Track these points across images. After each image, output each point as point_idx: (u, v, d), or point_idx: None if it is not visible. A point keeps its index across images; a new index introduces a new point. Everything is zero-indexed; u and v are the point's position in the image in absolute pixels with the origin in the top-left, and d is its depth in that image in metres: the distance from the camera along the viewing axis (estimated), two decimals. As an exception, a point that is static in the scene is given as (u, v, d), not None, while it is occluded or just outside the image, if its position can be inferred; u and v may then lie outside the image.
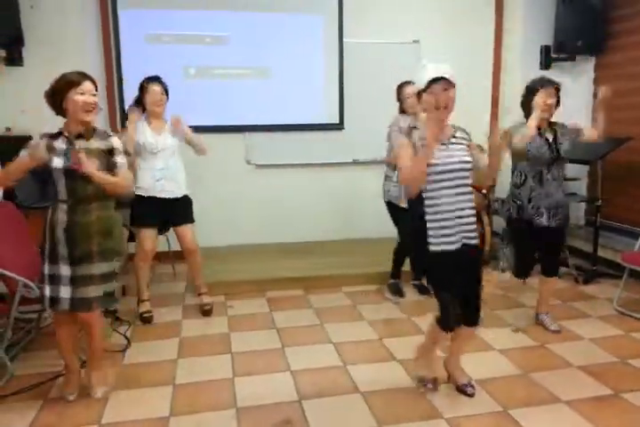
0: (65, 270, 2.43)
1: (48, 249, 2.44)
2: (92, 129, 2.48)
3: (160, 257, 4.18)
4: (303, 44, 4.92)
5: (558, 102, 3.16)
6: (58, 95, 2.41)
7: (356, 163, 5.12)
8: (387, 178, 3.80)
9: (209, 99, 4.79)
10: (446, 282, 2.44)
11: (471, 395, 2.62)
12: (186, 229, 3.64)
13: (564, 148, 3.17)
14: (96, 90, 2.45)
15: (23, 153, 2.38)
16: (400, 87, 3.71)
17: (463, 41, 5.14)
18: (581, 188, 5.14)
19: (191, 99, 4.62)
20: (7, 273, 2.75)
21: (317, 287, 4.16)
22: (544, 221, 3.19)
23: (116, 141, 2.50)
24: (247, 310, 3.79)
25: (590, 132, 3.21)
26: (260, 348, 3.19)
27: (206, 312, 3.71)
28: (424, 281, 3.95)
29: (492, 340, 3.26)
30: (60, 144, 2.43)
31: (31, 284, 2.78)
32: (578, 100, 5.19)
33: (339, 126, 5.02)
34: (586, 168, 5.06)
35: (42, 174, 2.44)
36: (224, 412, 2.51)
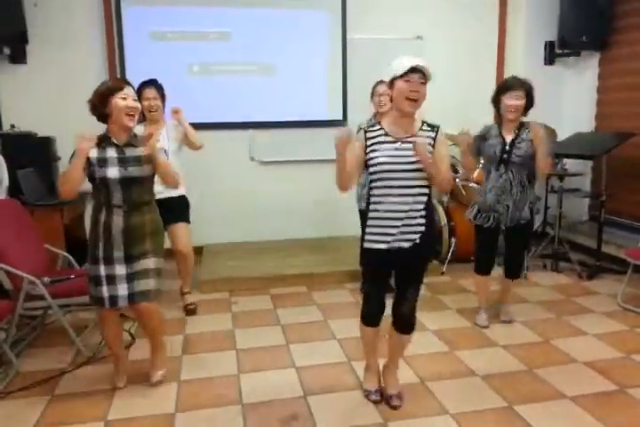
0: (120, 270, 2.51)
1: (102, 251, 2.50)
2: (134, 135, 2.55)
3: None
4: (306, 41, 4.91)
5: (532, 103, 3.12)
6: (101, 102, 2.45)
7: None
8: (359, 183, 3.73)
9: (213, 96, 4.79)
10: (372, 277, 2.49)
11: (394, 407, 2.50)
12: (178, 228, 3.58)
13: (518, 152, 3.10)
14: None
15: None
16: (375, 86, 3.65)
17: (466, 37, 5.13)
18: (585, 183, 5.13)
19: (195, 96, 4.63)
20: (13, 270, 2.77)
21: (321, 284, 4.16)
22: (495, 220, 3.23)
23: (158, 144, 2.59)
24: (251, 307, 3.80)
25: (541, 164, 3.11)
26: (264, 344, 3.20)
27: (190, 311, 3.71)
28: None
29: (495, 335, 3.26)
30: (111, 153, 2.48)
31: (37, 281, 2.80)
32: (582, 96, 5.18)
33: (342, 122, 5.01)
34: (589, 163, 5.05)
35: (92, 181, 2.49)
36: (230, 408, 2.52)
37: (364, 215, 3.59)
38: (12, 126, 4.22)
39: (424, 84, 2.23)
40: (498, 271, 3.57)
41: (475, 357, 2.99)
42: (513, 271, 3.43)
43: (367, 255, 2.42)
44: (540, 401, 2.54)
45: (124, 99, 2.44)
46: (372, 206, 2.36)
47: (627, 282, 3.74)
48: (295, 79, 4.90)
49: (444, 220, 4.56)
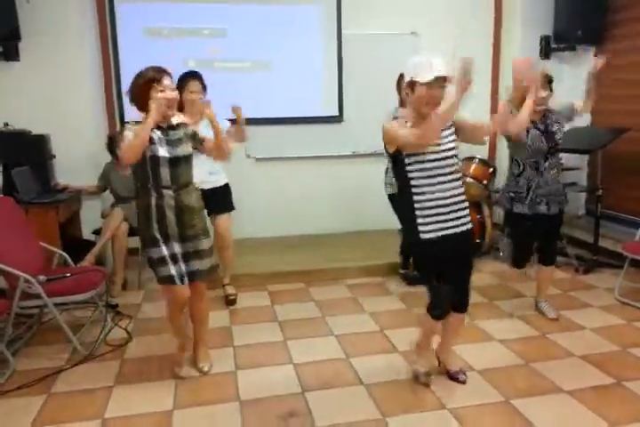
0: (178, 248, 2.57)
1: (159, 232, 2.53)
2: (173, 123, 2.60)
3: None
4: (302, 37, 4.89)
5: (551, 91, 3.21)
6: (140, 94, 2.47)
7: (355, 155, 5.10)
8: (388, 171, 3.78)
9: (208, 92, 4.75)
10: (436, 270, 2.45)
11: (463, 382, 2.65)
12: (221, 219, 3.66)
13: (557, 136, 3.21)
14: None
15: (128, 133, 2.44)
16: (402, 77, 3.62)
17: (462, 32, 5.11)
18: (581, 177, 5.13)
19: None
20: (8, 269, 2.76)
21: (319, 280, 4.16)
22: (543, 209, 3.22)
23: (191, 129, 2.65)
24: (249, 304, 3.79)
25: (583, 103, 3.30)
26: (262, 341, 3.20)
27: (230, 302, 3.77)
28: (410, 271, 4.02)
29: (492, 330, 3.26)
30: (158, 134, 2.51)
31: (32, 279, 2.79)
32: (578, 91, 5.16)
33: (338, 119, 5.00)
34: (586, 158, 5.05)
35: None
36: (228, 405, 2.52)
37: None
38: (6, 124, 4.19)
39: (445, 87, 2.24)
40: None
41: (472, 351, 2.99)
42: (551, 257, 3.43)
43: (425, 246, 2.39)
44: (538, 395, 2.55)
45: (163, 91, 2.45)
46: (415, 197, 2.36)
47: (623, 276, 3.74)
48: (291, 75, 4.88)
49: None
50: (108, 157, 4.25)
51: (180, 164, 2.54)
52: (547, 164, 3.22)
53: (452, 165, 2.36)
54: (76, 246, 3.97)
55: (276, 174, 5.05)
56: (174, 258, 2.56)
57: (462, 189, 2.41)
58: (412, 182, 2.35)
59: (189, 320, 2.87)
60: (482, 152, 4.67)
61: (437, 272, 2.45)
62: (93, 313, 3.41)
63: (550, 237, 3.39)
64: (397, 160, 2.38)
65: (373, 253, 3.99)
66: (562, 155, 4.55)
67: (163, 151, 2.49)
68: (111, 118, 4.64)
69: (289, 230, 5.06)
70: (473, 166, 4.55)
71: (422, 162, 2.32)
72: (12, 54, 4.34)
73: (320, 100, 5.02)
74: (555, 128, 3.22)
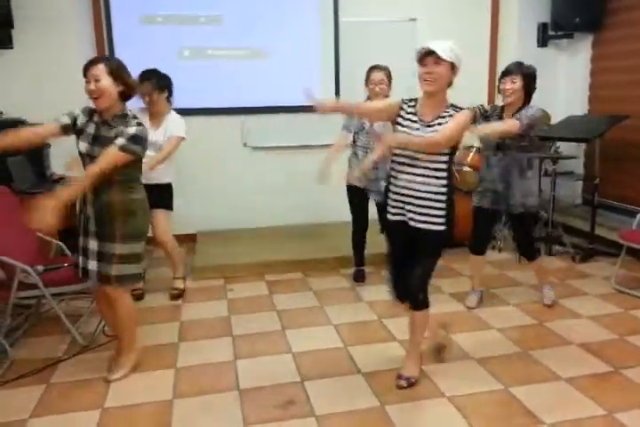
0: (93, 245, 2.51)
1: (83, 223, 2.55)
2: (116, 115, 2.45)
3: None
4: (298, 24, 4.84)
5: (532, 88, 3.12)
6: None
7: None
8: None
9: (204, 81, 4.72)
10: (391, 251, 2.60)
11: (398, 386, 2.53)
12: (157, 214, 3.49)
13: (512, 139, 3.10)
14: (111, 73, 2.40)
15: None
16: (369, 71, 3.59)
17: (459, 19, 5.07)
18: (578, 166, 5.13)
19: (186, 81, 4.54)
20: (5, 259, 2.74)
21: (316, 270, 4.16)
22: (486, 204, 3.27)
23: (131, 129, 2.40)
24: (247, 293, 3.79)
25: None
26: (260, 330, 3.20)
27: (172, 296, 3.71)
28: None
29: (490, 319, 3.28)
30: (90, 128, 2.47)
31: (29, 269, 2.77)
32: (575, 79, 5.16)
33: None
34: (582, 146, 5.05)
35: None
36: (227, 394, 2.53)
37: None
38: (1, 113, 4.15)
39: (440, 64, 2.29)
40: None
41: (469, 340, 3.01)
42: (527, 253, 3.43)
43: (386, 226, 2.60)
44: (536, 383, 2.57)
45: (88, 82, 2.39)
46: (390, 179, 2.48)
47: (620, 264, 3.75)
48: (288, 63, 4.83)
49: None
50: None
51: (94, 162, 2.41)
52: (495, 159, 3.19)
53: (428, 161, 2.35)
54: (73, 236, 3.94)
55: (273, 163, 5.02)
56: (85, 252, 2.54)
57: (428, 187, 2.38)
58: (392, 165, 2.47)
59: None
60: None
61: (391, 255, 2.59)
62: (91, 304, 3.40)
63: (516, 234, 3.45)
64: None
65: (371, 242, 3.98)
66: (558, 144, 4.60)
67: (83, 146, 2.45)
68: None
69: (286, 220, 5.04)
70: (470, 155, 4.55)
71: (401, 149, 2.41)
72: (4, 42, 4.28)
73: (317, 88, 4.96)
74: None
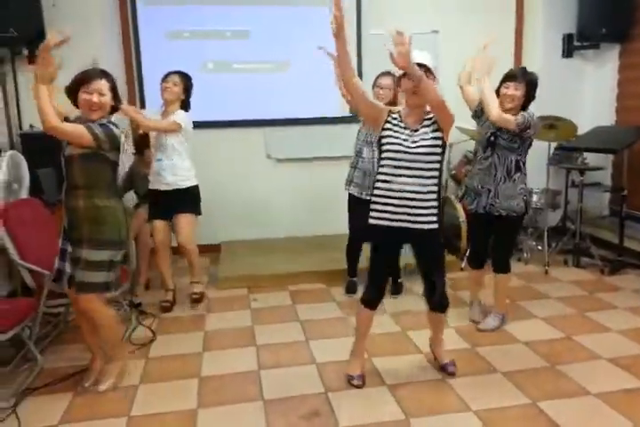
0: (69, 248, 2.56)
1: (64, 226, 2.58)
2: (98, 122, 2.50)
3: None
4: (322, 37, 4.84)
5: (532, 97, 3.06)
6: (72, 92, 2.49)
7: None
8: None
9: (228, 94, 4.79)
10: (375, 256, 2.61)
11: (452, 373, 2.72)
12: (179, 219, 3.58)
13: (505, 135, 3.04)
14: (112, 89, 2.50)
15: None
16: (378, 76, 3.64)
17: (483, 30, 5.05)
18: (605, 177, 5.05)
19: (210, 94, 4.63)
20: (35, 268, 2.79)
21: (340, 280, 4.14)
22: (471, 206, 3.21)
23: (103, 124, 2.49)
24: (270, 304, 3.80)
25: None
26: (284, 340, 3.20)
27: (193, 300, 3.76)
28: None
29: (517, 332, 3.23)
30: None
31: (59, 278, 2.82)
32: (602, 89, 5.11)
33: (359, 119, 4.98)
34: (609, 157, 4.97)
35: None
36: (251, 404, 2.53)
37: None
38: (31, 126, 4.26)
39: (428, 77, 2.34)
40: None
41: (496, 353, 2.97)
42: (496, 264, 3.23)
43: (370, 231, 2.57)
44: (564, 398, 2.52)
45: (89, 93, 2.44)
46: (377, 184, 2.51)
47: (650, 277, 3.68)
48: (311, 76, 4.86)
49: (462, 216, 4.51)
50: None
51: (69, 163, 2.49)
52: (489, 158, 3.10)
53: (422, 162, 2.42)
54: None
55: (298, 175, 5.05)
56: (62, 254, 2.58)
57: (423, 188, 2.44)
58: (380, 169, 2.50)
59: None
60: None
61: (375, 259, 2.60)
62: (118, 312, 3.43)
63: (496, 240, 3.22)
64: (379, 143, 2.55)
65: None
66: (585, 155, 4.54)
67: (67, 150, 2.50)
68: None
69: (310, 231, 5.05)
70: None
71: (392, 151, 2.45)
72: (37, 58, 4.40)
73: (341, 100, 5.00)
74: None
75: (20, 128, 4.38)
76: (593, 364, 2.84)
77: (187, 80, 3.56)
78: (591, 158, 4.70)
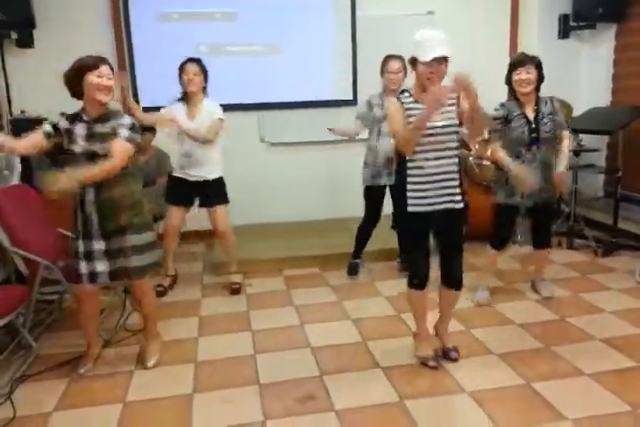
0: (98, 245, 2.52)
1: (81, 226, 2.53)
2: (108, 112, 2.52)
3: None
4: (314, 19, 4.82)
5: (542, 77, 3.16)
6: (75, 78, 2.45)
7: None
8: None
9: (221, 77, 4.70)
10: (418, 242, 2.56)
11: (454, 359, 2.70)
12: (217, 210, 3.66)
13: (545, 128, 3.14)
14: (114, 74, 2.51)
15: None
16: (385, 60, 3.58)
17: (479, 11, 5.01)
18: (599, 159, 5.04)
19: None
20: (30, 256, 2.78)
21: (334, 265, 4.14)
22: (517, 199, 3.23)
23: (126, 119, 2.51)
24: (266, 288, 3.81)
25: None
26: (279, 325, 3.21)
27: (233, 291, 3.74)
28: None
29: (511, 314, 3.24)
30: (79, 129, 2.48)
31: (52, 265, 2.81)
32: (598, 70, 5.06)
33: (352, 102, 4.94)
34: (604, 139, 4.95)
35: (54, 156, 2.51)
36: (247, 388, 2.54)
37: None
38: (22, 112, 4.21)
39: (443, 63, 2.33)
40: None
41: (490, 335, 2.98)
42: (546, 240, 3.42)
43: (410, 219, 2.52)
44: (558, 378, 2.53)
45: (100, 77, 2.42)
46: (409, 171, 2.46)
47: (644, 258, 3.69)
48: (304, 59, 4.83)
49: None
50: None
51: (96, 159, 2.43)
52: (529, 155, 3.17)
53: (450, 141, 2.43)
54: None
55: (291, 159, 5.03)
56: (89, 255, 2.52)
57: (456, 167, 2.47)
58: (414, 157, 2.44)
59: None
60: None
61: (419, 245, 2.56)
62: (112, 298, 3.43)
63: (537, 226, 3.42)
64: None
65: (388, 237, 3.95)
66: (581, 136, 4.52)
67: (78, 147, 2.45)
68: (124, 103, 4.63)
69: (304, 215, 5.04)
70: (489, 149, 4.48)
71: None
72: (26, 42, 4.34)
73: (334, 83, 4.96)
74: (544, 119, 3.15)
75: (11, 114, 4.33)
76: (587, 344, 2.85)
77: (203, 67, 3.53)
78: (586, 140, 4.68)
